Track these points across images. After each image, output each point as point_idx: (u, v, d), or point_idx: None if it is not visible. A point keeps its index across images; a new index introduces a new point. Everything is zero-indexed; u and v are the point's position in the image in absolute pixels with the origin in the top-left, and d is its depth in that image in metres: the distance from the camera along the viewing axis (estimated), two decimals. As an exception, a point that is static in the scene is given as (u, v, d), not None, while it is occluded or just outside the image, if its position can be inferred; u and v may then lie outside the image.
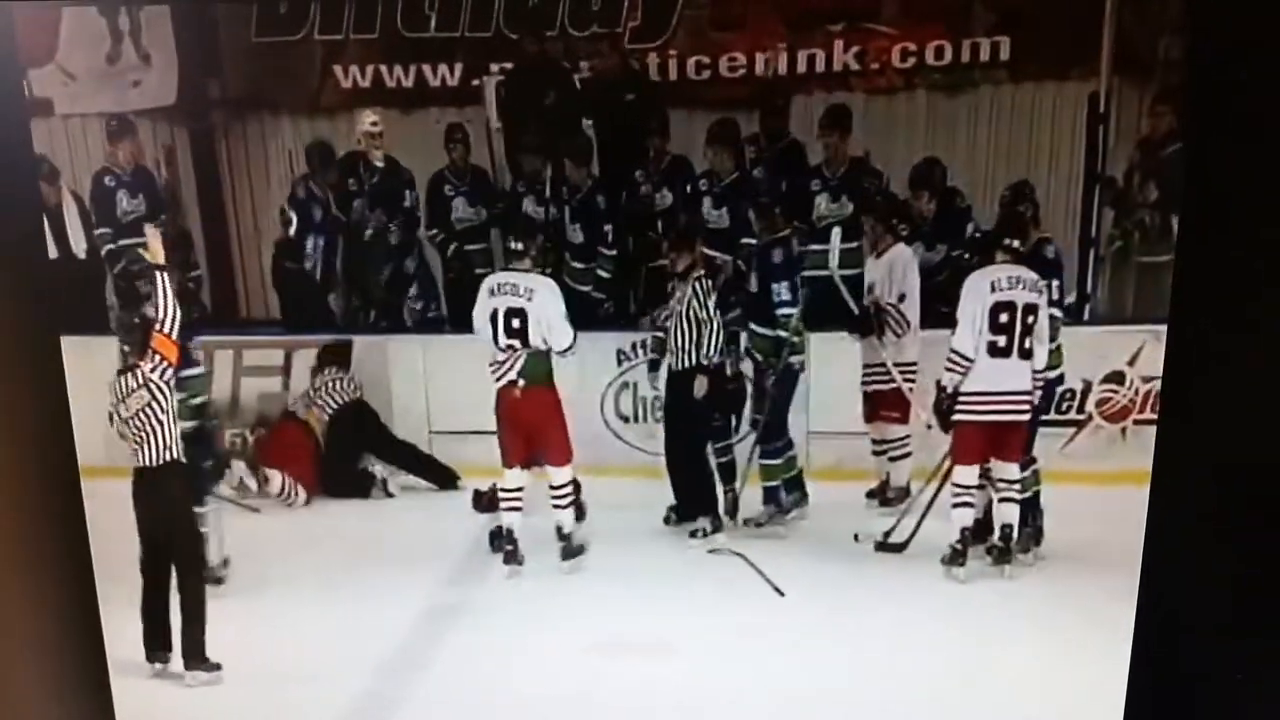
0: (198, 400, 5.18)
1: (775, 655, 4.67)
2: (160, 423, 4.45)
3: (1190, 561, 3.11)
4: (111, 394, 4.46)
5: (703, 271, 5.44)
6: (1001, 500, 5.12)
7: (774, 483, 5.59)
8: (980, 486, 5.17)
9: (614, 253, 6.16)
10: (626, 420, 6.17)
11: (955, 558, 5.09)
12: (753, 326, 5.50)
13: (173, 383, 4.50)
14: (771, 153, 6.08)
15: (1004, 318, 4.92)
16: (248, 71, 6.64)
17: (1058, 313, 5.12)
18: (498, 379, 5.19)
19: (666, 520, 5.67)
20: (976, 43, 6.03)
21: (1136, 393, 5.86)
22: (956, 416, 5.02)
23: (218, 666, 4.61)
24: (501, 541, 5.34)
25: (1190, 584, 3.12)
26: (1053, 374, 5.19)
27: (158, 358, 4.43)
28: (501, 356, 5.17)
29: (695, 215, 5.96)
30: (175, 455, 4.52)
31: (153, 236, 4.63)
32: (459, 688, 4.57)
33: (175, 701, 4.52)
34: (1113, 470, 5.73)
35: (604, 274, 6.19)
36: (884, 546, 5.36)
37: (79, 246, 6.33)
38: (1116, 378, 5.87)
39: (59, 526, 3.39)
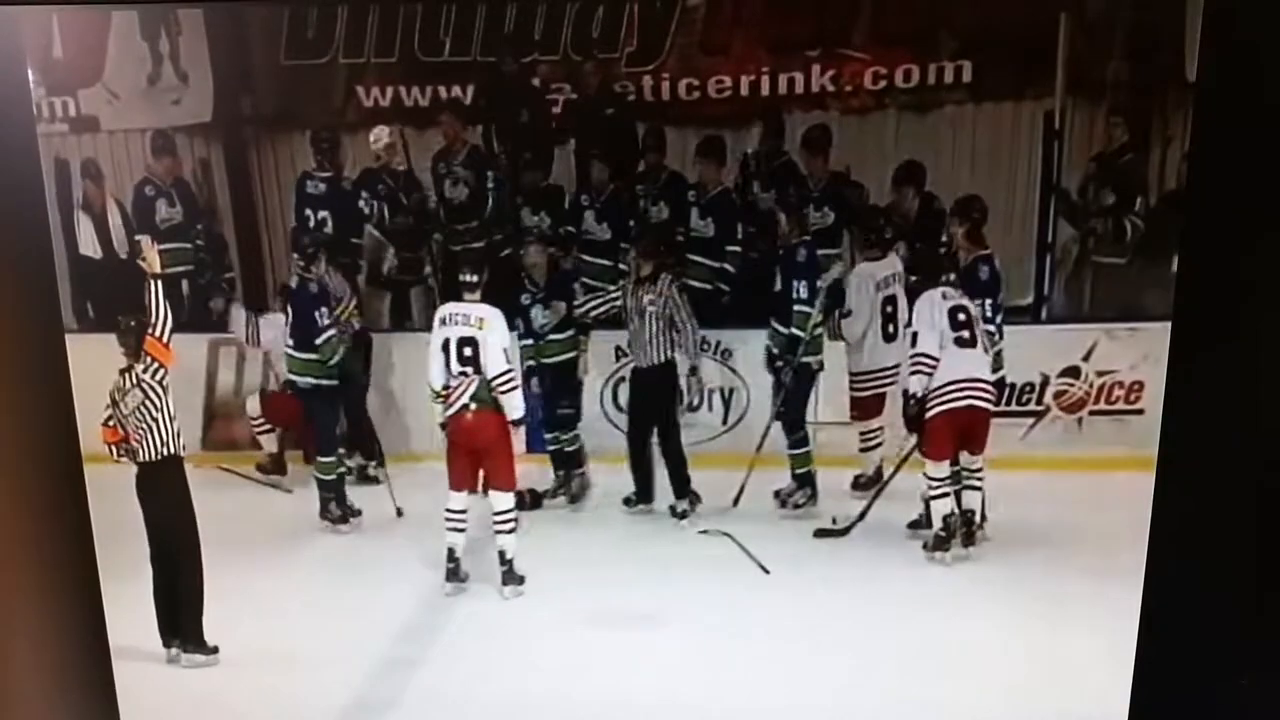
0: (333, 361, 5.74)
1: (761, 630, 4.89)
2: (155, 420, 4.57)
3: (1191, 552, 3.10)
4: (114, 392, 4.62)
5: (671, 276, 5.76)
6: (966, 488, 5.43)
7: (805, 469, 5.90)
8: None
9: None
10: (624, 411, 6.34)
11: (940, 544, 5.39)
12: (774, 324, 5.80)
13: (167, 384, 4.61)
14: (768, 168, 6.37)
15: (961, 316, 5.29)
16: (278, 91, 6.93)
17: (992, 327, 5.46)
18: (449, 405, 5.27)
19: (627, 502, 6.00)
20: (941, 66, 6.32)
21: (1091, 385, 6.20)
22: (931, 411, 5.30)
23: (215, 650, 4.75)
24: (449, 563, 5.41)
25: (1193, 573, 3.11)
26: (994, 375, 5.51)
27: (149, 359, 4.56)
28: (454, 383, 5.25)
29: (663, 223, 6.29)
30: (172, 451, 4.63)
31: (149, 248, 4.75)
32: (460, 656, 4.82)
33: (177, 685, 4.63)
34: (1069, 456, 6.16)
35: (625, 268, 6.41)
36: (823, 532, 5.68)
37: (121, 250, 6.69)
38: (1072, 372, 6.21)
39: (62, 513, 3.37)
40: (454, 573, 5.36)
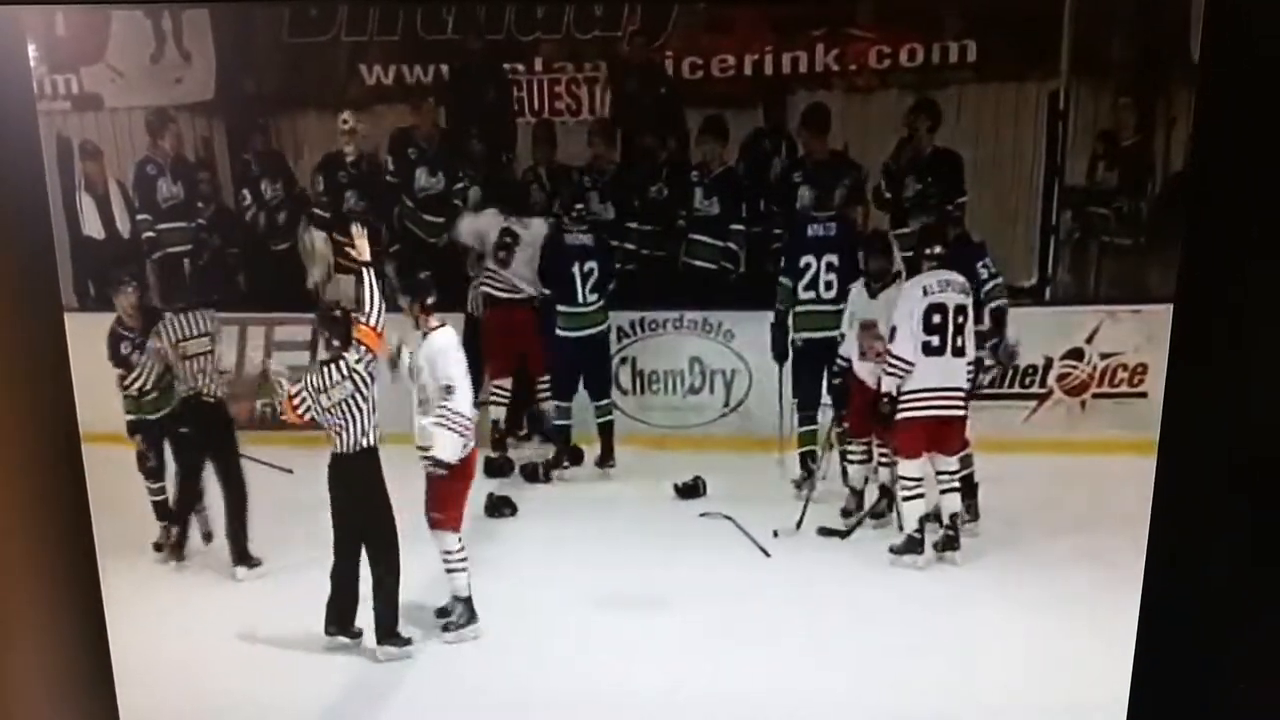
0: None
1: (760, 614, 4.88)
2: (361, 410, 4.48)
3: (1191, 535, 3.11)
4: (311, 384, 4.49)
5: None
6: (944, 492, 5.27)
7: (805, 449, 5.91)
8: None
9: (650, 228, 6.40)
10: (625, 393, 6.45)
11: (910, 547, 5.26)
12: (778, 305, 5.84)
13: (375, 373, 4.53)
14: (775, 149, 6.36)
15: (936, 319, 5.11)
16: (280, 69, 6.90)
17: (999, 280, 5.41)
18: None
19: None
20: (946, 46, 6.30)
21: (1094, 368, 6.18)
22: (900, 415, 5.19)
23: (409, 642, 4.70)
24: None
25: (1193, 557, 3.12)
26: (994, 304, 5.41)
27: (363, 349, 4.48)
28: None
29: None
30: (370, 443, 4.54)
31: (359, 236, 4.60)
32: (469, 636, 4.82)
33: (171, 666, 4.54)
34: (1071, 440, 6.15)
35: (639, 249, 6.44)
36: (827, 531, 5.60)
37: (124, 229, 6.71)
38: (1076, 354, 6.19)
39: (60, 492, 3.37)
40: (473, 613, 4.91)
